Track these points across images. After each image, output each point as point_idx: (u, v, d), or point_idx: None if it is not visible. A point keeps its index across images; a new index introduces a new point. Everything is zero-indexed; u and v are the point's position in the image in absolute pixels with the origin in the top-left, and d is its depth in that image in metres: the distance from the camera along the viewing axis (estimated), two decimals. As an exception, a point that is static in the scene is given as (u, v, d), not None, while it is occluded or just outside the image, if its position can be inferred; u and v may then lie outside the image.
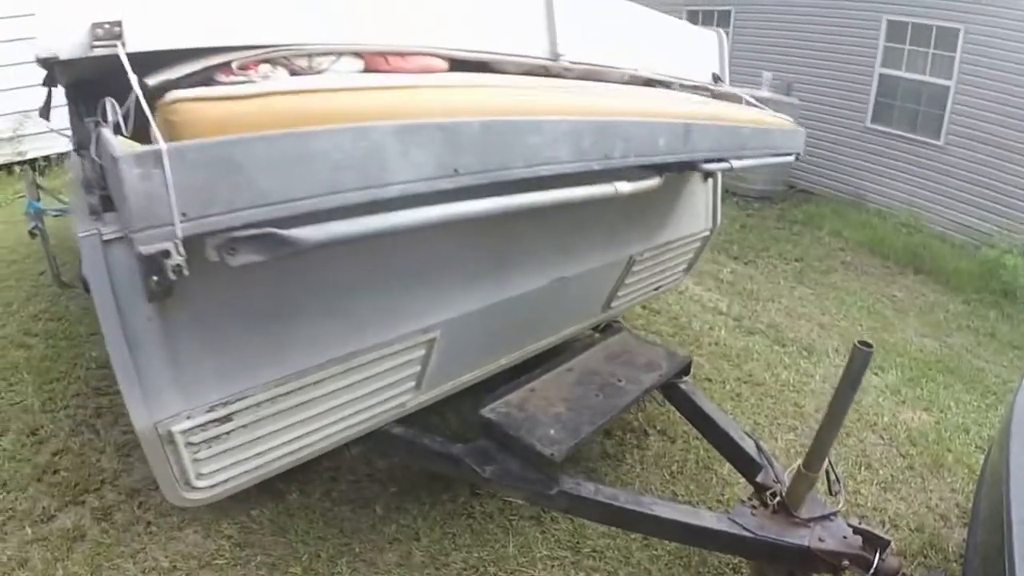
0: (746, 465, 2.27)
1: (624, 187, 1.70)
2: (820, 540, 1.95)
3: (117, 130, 1.24)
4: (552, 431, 2.14)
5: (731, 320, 4.33)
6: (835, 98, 8.08)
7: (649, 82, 2.44)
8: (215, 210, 1.05)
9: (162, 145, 0.98)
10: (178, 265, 1.03)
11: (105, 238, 1.46)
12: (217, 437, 1.77)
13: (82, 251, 1.45)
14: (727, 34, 8.96)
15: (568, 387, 2.37)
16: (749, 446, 2.26)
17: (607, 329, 3.01)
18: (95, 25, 1.28)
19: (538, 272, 2.23)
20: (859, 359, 1.71)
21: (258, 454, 1.90)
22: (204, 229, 1.05)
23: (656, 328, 4.10)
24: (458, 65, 1.77)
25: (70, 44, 1.30)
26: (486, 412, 2.20)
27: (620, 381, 2.41)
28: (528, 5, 2.06)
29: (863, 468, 2.92)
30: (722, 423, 2.40)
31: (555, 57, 2.08)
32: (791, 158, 2.60)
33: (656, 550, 2.39)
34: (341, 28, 1.63)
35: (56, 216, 4.57)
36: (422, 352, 2.05)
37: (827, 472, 2.06)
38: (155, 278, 1.24)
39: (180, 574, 2.45)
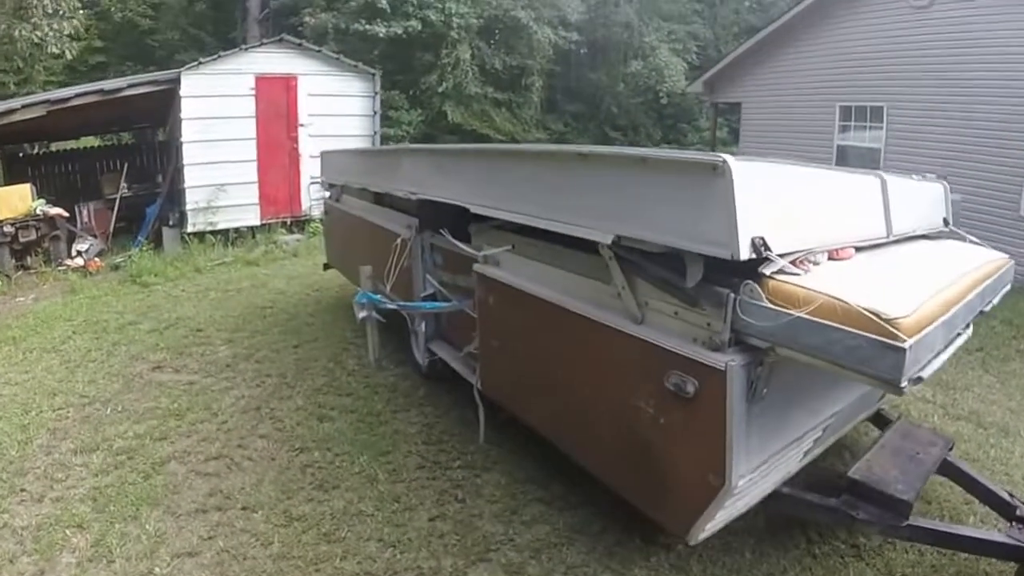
0: (1001, 506, 3.28)
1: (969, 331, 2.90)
2: (1066, 550, 2.86)
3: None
4: (899, 485, 3.01)
5: (939, 408, 5.13)
6: (987, 189, 8.63)
7: (919, 237, 3.62)
8: (914, 367, 2.08)
9: (909, 341, 1.99)
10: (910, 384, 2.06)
11: (739, 365, 2.37)
12: (740, 493, 2.53)
13: (728, 375, 2.34)
14: (881, 128, 10.18)
15: (889, 458, 3.31)
16: (1003, 494, 3.31)
17: (878, 418, 4.09)
18: (754, 239, 2.27)
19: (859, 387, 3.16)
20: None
21: (737, 504, 2.72)
22: (910, 377, 2.04)
23: (887, 416, 4.86)
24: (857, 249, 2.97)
25: (745, 250, 2.24)
26: (852, 474, 3.10)
27: (919, 454, 3.40)
28: (877, 209, 3.22)
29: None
30: (981, 480, 3.44)
31: (889, 234, 3.23)
32: (1008, 287, 3.54)
33: (941, 574, 3.26)
34: (817, 236, 2.71)
35: (389, 308, 5.05)
36: (820, 434, 3.08)
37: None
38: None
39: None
